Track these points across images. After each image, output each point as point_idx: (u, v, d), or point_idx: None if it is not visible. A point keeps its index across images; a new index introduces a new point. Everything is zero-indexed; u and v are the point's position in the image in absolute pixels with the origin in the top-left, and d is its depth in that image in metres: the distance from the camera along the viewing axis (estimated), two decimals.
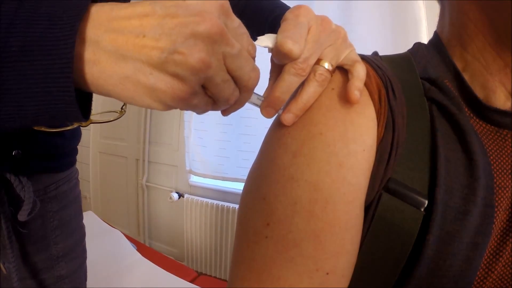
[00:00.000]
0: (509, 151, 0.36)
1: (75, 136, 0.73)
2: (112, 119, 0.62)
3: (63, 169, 0.71)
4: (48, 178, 0.68)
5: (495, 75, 0.36)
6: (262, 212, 0.32)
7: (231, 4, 0.30)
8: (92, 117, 0.58)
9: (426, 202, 0.31)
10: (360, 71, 0.35)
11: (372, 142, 0.33)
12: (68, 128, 0.59)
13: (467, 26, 0.37)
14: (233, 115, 1.65)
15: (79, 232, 0.77)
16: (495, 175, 0.35)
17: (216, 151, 1.99)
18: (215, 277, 2.04)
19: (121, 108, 0.60)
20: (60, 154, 0.68)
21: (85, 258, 0.80)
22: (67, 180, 0.72)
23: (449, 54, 0.39)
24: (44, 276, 0.69)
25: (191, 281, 1.51)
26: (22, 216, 0.59)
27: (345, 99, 0.34)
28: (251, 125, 1.86)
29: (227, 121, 1.94)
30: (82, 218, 0.79)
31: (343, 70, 0.37)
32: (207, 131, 2.01)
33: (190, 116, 2.07)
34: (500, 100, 0.36)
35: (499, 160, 0.35)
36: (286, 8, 0.61)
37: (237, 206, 1.95)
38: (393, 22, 1.54)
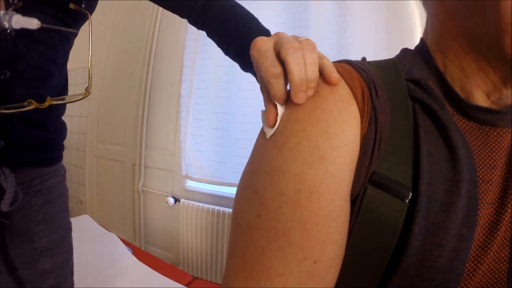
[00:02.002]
0: (491, 146, 0.38)
1: (58, 130, 0.74)
2: (74, 99, 0.64)
3: (48, 164, 0.72)
4: (33, 172, 0.69)
5: (471, 78, 0.38)
6: (254, 205, 0.34)
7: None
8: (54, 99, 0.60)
9: (410, 194, 0.33)
10: (326, 61, 0.38)
11: (354, 137, 0.35)
12: (25, 109, 0.59)
13: (443, 34, 0.40)
14: (229, 120, 1.67)
15: (65, 228, 0.78)
16: (478, 169, 0.36)
17: (212, 156, 2.00)
18: (210, 281, 2.04)
19: (85, 90, 0.62)
20: (42, 147, 0.69)
21: (71, 254, 0.80)
22: (52, 175, 0.73)
23: (432, 57, 0.41)
24: (27, 270, 0.69)
25: (187, 285, 1.51)
26: (4, 205, 0.60)
27: (328, 99, 0.36)
28: (247, 130, 1.87)
29: (223, 126, 1.95)
30: (68, 214, 0.79)
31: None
32: (203, 136, 2.03)
33: (186, 121, 2.09)
34: (479, 102, 0.38)
35: (482, 155, 0.37)
36: (250, 23, 0.63)
37: None
38: (388, 26, 1.57)
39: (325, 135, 0.34)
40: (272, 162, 0.34)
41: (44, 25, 0.53)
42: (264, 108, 0.41)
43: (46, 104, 0.61)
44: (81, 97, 0.62)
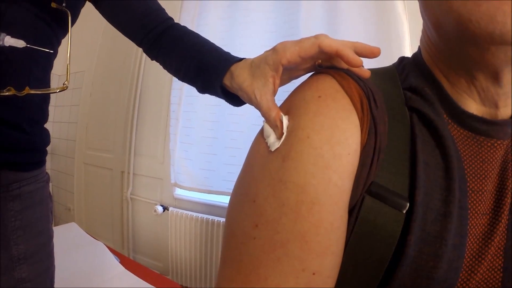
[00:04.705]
0: (484, 157, 0.38)
1: (38, 135, 0.72)
2: (52, 91, 0.68)
3: (27, 168, 0.70)
4: (11, 176, 0.67)
5: (455, 84, 0.39)
6: (251, 214, 0.33)
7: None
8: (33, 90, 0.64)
9: (408, 204, 0.33)
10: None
11: (356, 146, 0.34)
12: (3, 94, 0.60)
13: (425, 45, 0.42)
14: (219, 128, 1.67)
15: (45, 236, 0.75)
16: (468, 179, 0.37)
17: (201, 164, 1.99)
18: None
19: (63, 84, 0.66)
20: (19, 150, 0.68)
21: (51, 263, 0.77)
22: (33, 181, 0.71)
23: (427, 66, 0.42)
24: (3, 276, 0.66)
25: None
26: None
27: (331, 106, 0.36)
28: (237, 138, 1.87)
29: (213, 134, 1.95)
30: (49, 221, 0.77)
31: (327, 79, 0.39)
32: (192, 144, 2.02)
33: (175, 128, 2.08)
34: (471, 108, 0.39)
35: (473, 165, 0.38)
36: (212, 51, 0.64)
37: (222, 219, 1.94)
38: (378, 33, 1.60)
39: (329, 143, 0.33)
40: (275, 173, 0.33)
41: (28, 45, 0.60)
42: (264, 120, 0.41)
43: (24, 92, 0.61)
44: (58, 90, 0.66)
